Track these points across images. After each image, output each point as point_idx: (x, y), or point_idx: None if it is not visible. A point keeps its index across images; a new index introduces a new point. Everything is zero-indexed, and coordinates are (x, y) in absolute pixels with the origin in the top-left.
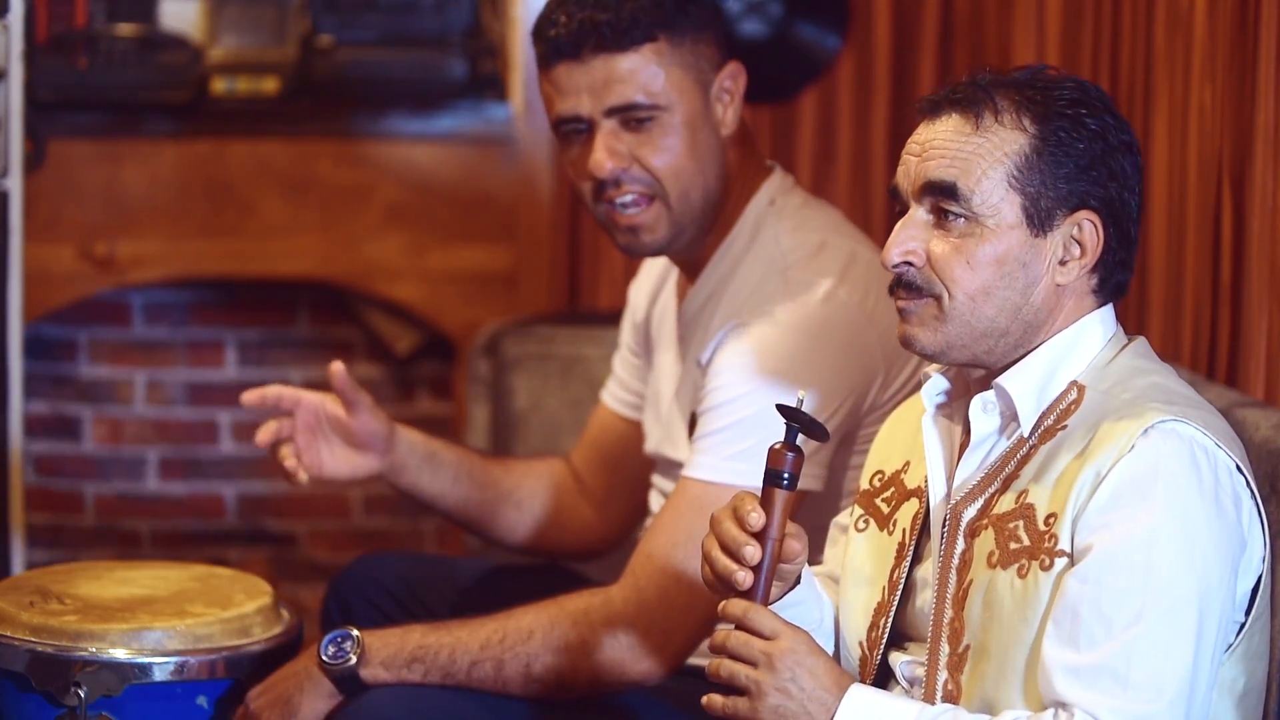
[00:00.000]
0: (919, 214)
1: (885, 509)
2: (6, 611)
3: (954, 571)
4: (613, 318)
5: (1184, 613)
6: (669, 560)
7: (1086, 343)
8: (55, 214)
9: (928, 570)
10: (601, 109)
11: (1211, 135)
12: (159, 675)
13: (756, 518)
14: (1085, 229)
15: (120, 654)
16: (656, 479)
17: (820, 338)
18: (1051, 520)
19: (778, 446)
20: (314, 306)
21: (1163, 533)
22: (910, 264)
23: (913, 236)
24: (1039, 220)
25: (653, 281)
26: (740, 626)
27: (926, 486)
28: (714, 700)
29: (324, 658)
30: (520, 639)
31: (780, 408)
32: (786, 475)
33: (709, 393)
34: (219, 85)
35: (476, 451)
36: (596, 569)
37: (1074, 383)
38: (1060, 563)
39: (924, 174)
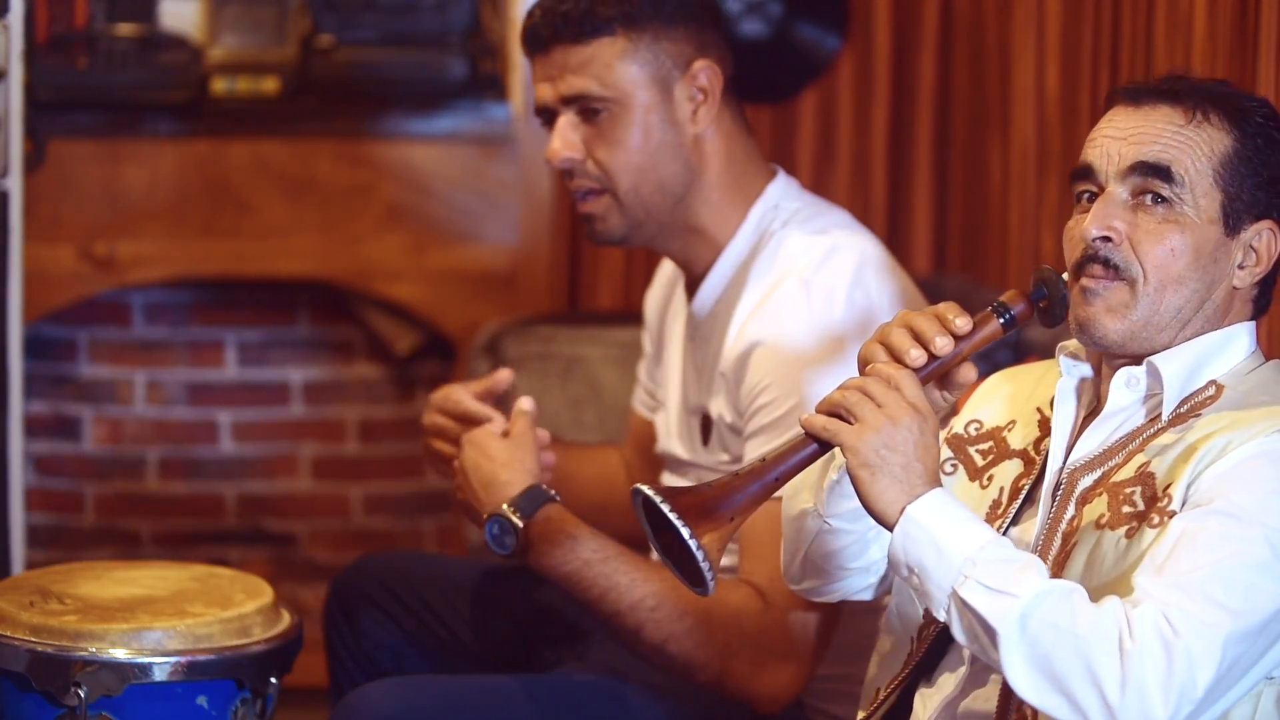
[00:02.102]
0: (1119, 194)
1: (979, 460)
2: (6, 611)
3: (1059, 536)
4: (613, 318)
5: (1275, 575)
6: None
7: (1235, 348)
8: (55, 214)
9: (1024, 534)
10: (559, 97)
11: None
12: (159, 675)
13: (964, 323)
14: (1264, 238)
15: (120, 654)
16: (667, 477)
17: (847, 343)
18: (1170, 487)
19: (1016, 291)
20: (314, 306)
21: (1277, 505)
22: (1109, 239)
23: (1113, 214)
24: (1232, 221)
25: (664, 287)
26: (888, 381)
27: (1036, 452)
28: (814, 419)
29: (489, 535)
30: (672, 616)
31: (1040, 270)
32: (1010, 314)
33: (755, 410)
34: (219, 85)
35: (560, 444)
36: None
37: (1213, 381)
38: (1169, 521)
39: (1135, 155)
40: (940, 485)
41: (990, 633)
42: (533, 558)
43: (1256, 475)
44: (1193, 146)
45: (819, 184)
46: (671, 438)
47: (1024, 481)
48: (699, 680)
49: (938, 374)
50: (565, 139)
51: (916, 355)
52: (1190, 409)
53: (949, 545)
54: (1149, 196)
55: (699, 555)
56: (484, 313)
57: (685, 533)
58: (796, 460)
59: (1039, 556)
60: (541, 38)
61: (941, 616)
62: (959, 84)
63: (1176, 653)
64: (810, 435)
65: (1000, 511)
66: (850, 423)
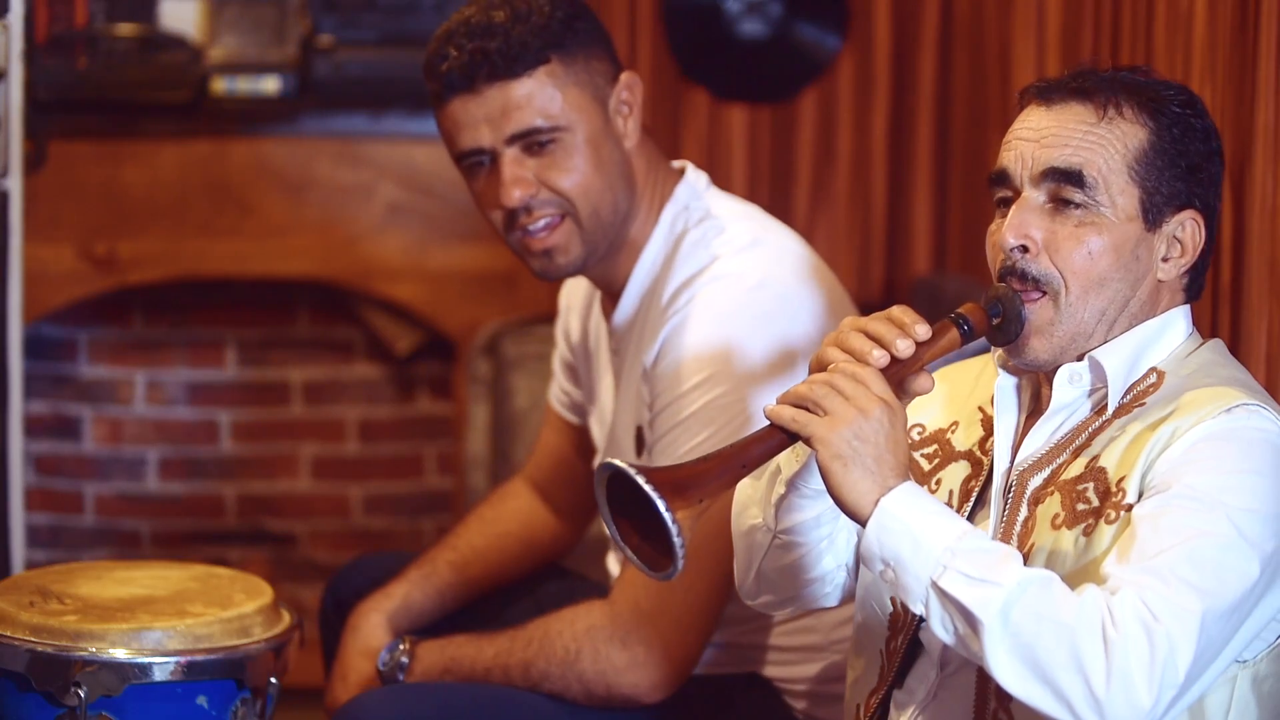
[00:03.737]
0: (1035, 198)
1: (926, 465)
2: (6, 611)
3: (1015, 539)
4: None
5: (1242, 554)
6: None
7: (1171, 334)
8: (55, 214)
9: None
10: (502, 138)
11: None
12: (159, 675)
13: (924, 330)
14: (1188, 228)
15: (120, 654)
16: None
17: (756, 326)
18: (1122, 480)
19: (974, 304)
20: (314, 306)
21: (1235, 484)
22: (1025, 249)
23: (1029, 221)
24: (1152, 215)
25: (584, 291)
26: (853, 376)
27: (980, 451)
28: (782, 411)
29: (380, 666)
30: (523, 645)
31: (994, 287)
32: (969, 325)
33: (656, 396)
34: (219, 85)
35: (453, 568)
36: (597, 568)
37: (1154, 369)
38: (1125, 515)
39: (1046, 160)
40: (910, 478)
41: (972, 623)
42: (415, 666)
43: (1210, 456)
44: (1104, 145)
45: (819, 184)
46: (611, 454)
47: (973, 483)
48: (576, 696)
49: (895, 380)
50: (518, 177)
51: (879, 356)
52: (1134, 398)
53: (926, 536)
54: (1064, 202)
55: (674, 529)
56: (484, 313)
57: (661, 505)
58: (763, 450)
59: None
60: (471, 77)
61: (919, 610)
62: (959, 84)
63: (1158, 638)
64: (778, 426)
65: None
66: (818, 415)
